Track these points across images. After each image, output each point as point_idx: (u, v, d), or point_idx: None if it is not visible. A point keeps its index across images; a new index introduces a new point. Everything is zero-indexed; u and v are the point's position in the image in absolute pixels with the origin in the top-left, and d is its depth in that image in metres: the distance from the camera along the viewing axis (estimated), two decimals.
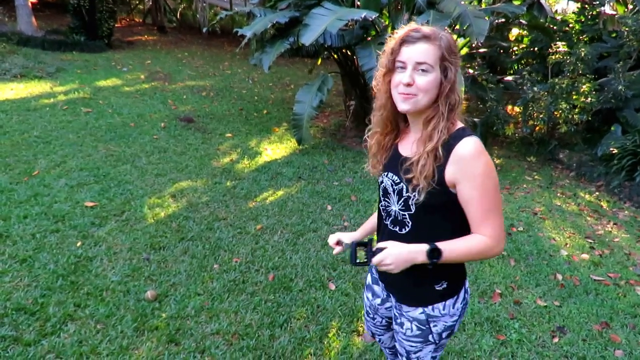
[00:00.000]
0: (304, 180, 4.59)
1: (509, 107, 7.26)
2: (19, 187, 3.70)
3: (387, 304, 1.58)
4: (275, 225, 3.61)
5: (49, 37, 9.52)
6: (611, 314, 2.89)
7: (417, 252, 1.23)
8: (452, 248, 1.24)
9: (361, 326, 2.57)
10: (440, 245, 1.24)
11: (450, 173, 1.22)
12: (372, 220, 1.63)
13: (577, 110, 5.86)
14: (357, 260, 1.33)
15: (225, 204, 3.87)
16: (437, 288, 1.37)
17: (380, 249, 1.25)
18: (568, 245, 3.80)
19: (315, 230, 3.59)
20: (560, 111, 5.86)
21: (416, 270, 1.31)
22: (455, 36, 6.56)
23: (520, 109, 6.48)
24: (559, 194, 5.03)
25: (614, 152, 5.42)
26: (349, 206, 4.08)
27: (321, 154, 5.44)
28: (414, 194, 1.26)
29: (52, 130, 5.05)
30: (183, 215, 3.58)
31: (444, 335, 1.43)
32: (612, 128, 5.87)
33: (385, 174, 1.38)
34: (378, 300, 1.61)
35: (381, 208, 1.46)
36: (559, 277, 3.27)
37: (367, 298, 1.67)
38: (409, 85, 1.21)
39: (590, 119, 6.03)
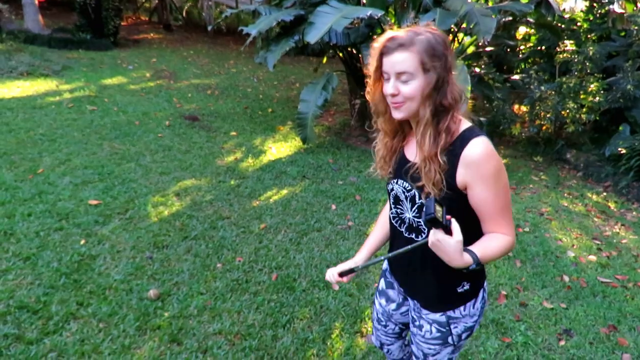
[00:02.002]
0: (309, 179, 4.57)
1: (516, 106, 7.20)
2: (23, 185, 3.71)
3: (403, 308, 1.56)
4: (279, 224, 3.59)
5: (55, 35, 9.56)
6: (619, 317, 2.85)
7: (460, 263, 1.14)
8: (485, 254, 1.20)
9: (365, 327, 2.54)
10: (479, 252, 1.18)
11: (462, 176, 1.19)
12: (377, 236, 1.57)
13: (584, 109, 5.80)
14: (433, 215, 1.08)
15: (229, 203, 3.85)
16: (459, 290, 1.34)
17: (446, 225, 1.12)
18: (575, 247, 3.75)
19: (319, 229, 3.57)
20: (567, 111, 5.79)
21: (437, 276, 1.30)
22: (461, 35, 6.53)
23: (527, 108, 6.42)
24: (565, 195, 4.97)
25: (622, 152, 5.35)
26: (354, 205, 4.05)
27: (326, 153, 5.42)
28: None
29: (57, 128, 5.06)
30: (187, 214, 3.57)
31: (463, 336, 1.41)
32: (621, 128, 5.80)
33: (395, 181, 1.35)
34: (393, 305, 1.58)
35: (392, 216, 1.42)
36: (566, 278, 3.23)
37: (380, 304, 1.63)
38: (394, 95, 1.19)
39: (598, 118, 5.96)
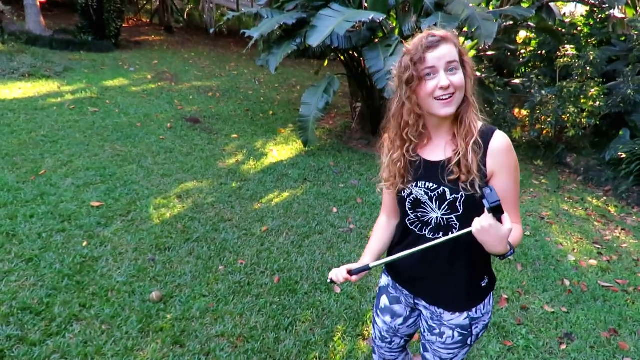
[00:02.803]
0: (310, 182, 4.58)
1: (516, 110, 7.23)
2: (25, 186, 3.71)
3: (411, 320, 1.57)
4: (281, 227, 3.60)
5: (57, 36, 9.56)
6: (619, 321, 2.86)
7: (501, 249, 1.16)
8: (513, 241, 1.23)
9: (366, 330, 2.55)
10: (511, 239, 1.20)
11: (490, 165, 1.26)
12: (380, 240, 1.55)
13: (585, 114, 5.82)
14: (499, 201, 1.08)
15: (231, 205, 3.86)
16: (483, 284, 1.40)
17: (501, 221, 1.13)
18: (575, 251, 3.76)
19: (321, 232, 3.58)
20: (568, 115, 5.81)
21: (462, 272, 1.35)
22: (462, 38, 6.55)
23: (527, 112, 6.44)
24: (566, 199, 4.99)
25: (622, 156, 5.37)
26: (355, 208, 4.06)
27: (327, 155, 5.43)
28: (461, 192, 1.26)
29: (59, 130, 5.07)
30: (189, 216, 3.58)
31: (480, 335, 1.46)
32: (621, 132, 5.82)
33: (414, 184, 1.35)
34: (399, 320, 1.57)
35: (409, 223, 1.40)
36: (567, 282, 3.24)
37: (385, 322, 1.61)
38: (446, 87, 1.21)
39: (598, 123, 5.98)
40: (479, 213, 1.18)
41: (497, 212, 1.10)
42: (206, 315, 2.53)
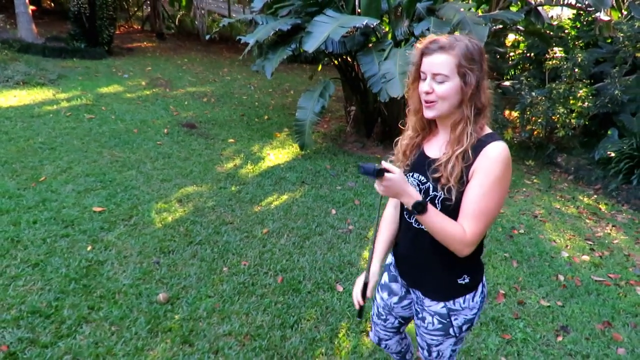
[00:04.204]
0: (308, 184, 4.65)
1: (507, 111, 7.36)
2: (26, 193, 3.74)
3: (405, 302, 1.64)
4: (281, 229, 3.66)
5: (49, 44, 9.56)
6: (613, 314, 2.95)
7: (409, 195, 1.26)
8: (436, 217, 1.28)
9: (370, 327, 2.61)
10: (430, 208, 1.28)
11: (473, 168, 1.29)
12: (385, 240, 1.61)
13: (574, 114, 5.96)
14: (373, 172, 1.22)
15: (231, 209, 3.92)
16: (460, 282, 1.43)
17: (389, 171, 1.24)
18: (569, 247, 3.87)
19: (320, 233, 3.64)
20: (557, 116, 5.95)
21: (440, 264, 1.39)
22: None
23: (518, 113, 6.58)
24: (558, 197, 5.11)
25: (611, 155, 5.51)
26: (353, 210, 4.14)
27: (323, 159, 5.50)
28: (440, 192, 1.32)
29: (56, 137, 5.09)
30: (190, 220, 3.63)
31: (464, 328, 1.49)
32: (609, 132, 5.97)
33: (411, 174, 1.44)
34: (395, 299, 1.66)
35: (404, 209, 1.50)
36: (561, 278, 3.34)
37: (382, 298, 1.70)
38: (428, 93, 1.29)
39: (587, 123, 6.13)
40: (455, 213, 1.30)
41: (379, 174, 1.22)
42: (213, 315, 2.58)
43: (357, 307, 1.55)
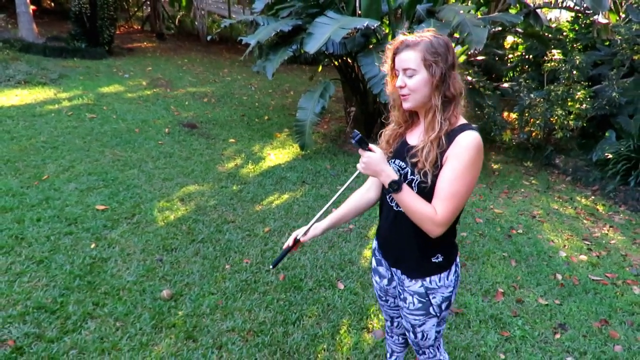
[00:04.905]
0: (308, 184, 4.69)
1: (506, 113, 7.41)
2: (30, 191, 3.77)
3: (393, 283, 1.74)
4: (283, 227, 3.70)
5: (50, 43, 9.59)
6: (610, 312, 3.00)
7: (386, 174, 1.40)
8: (410, 196, 1.40)
9: (370, 324, 2.65)
10: (405, 187, 1.40)
11: (447, 154, 1.39)
12: (346, 206, 1.75)
13: (572, 116, 6.01)
14: (361, 135, 1.39)
15: (233, 207, 3.95)
16: (434, 260, 1.54)
17: (370, 150, 1.41)
18: (566, 247, 3.91)
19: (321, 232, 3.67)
20: (556, 117, 6.00)
21: (416, 244, 1.50)
22: (453, 44, 6.73)
23: (516, 115, 6.62)
24: (556, 198, 5.15)
25: (608, 157, 5.56)
26: None
27: (323, 159, 5.54)
28: (417, 176, 1.43)
29: (58, 136, 5.12)
30: (192, 218, 3.66)
31: (443, 306, 1.59)
32: (607, 134, 6.02)
33: (393, 160, 1.55)
34: (385, 281, 1.77)
35: (385, 192, 1.61)
36: (559, 277, 3.38)
37: (376, 282, 1.83)
38: (401, 87, 1.43)
39: (585, 125, 6.17)
40: (428, 200, 1.41)
41: (362, 144, 1.38)
42: (216, 311, 2.61)
43: (285, 246, 1.71)
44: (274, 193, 4.37)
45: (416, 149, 1.43)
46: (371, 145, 1.41)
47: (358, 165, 1.42)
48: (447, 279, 1.57)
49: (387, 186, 1.39)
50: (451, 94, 1.40)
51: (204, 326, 2.48)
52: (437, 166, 1.39)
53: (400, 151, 1.53)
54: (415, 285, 1.57)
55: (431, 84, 1.38)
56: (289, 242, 1.71)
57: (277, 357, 2.33)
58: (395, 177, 1.39)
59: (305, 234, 1.69)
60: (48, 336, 2.27)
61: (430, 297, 1.57)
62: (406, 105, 1.45)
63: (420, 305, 1.59)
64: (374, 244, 1.80)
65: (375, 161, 1.39)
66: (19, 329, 2.29)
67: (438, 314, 1.60)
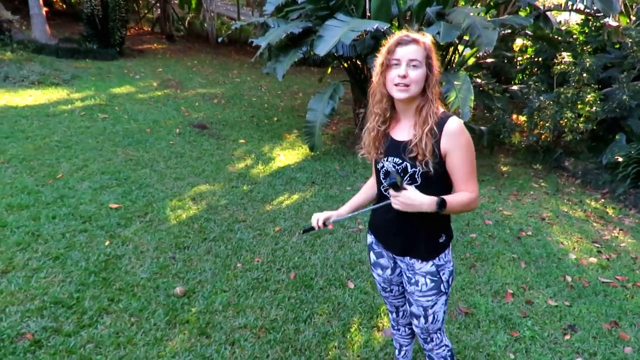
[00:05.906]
0: (318, 185, 4.72)
1: (515, 116, 7.40)
2: (45, 189, 3.84)
3: (397, 270, 1.81)
4: (293, 227, 3.73)
5: (62, 45, 9.73)
6: (620, 314, 3.00)
7: (428, 204, 1.48)
8: (452, 200, 1.51)
9: (381, 322, 2.68)
10: (447, 199, 1.50)
11: (444, 144, 1.51)
12: (362, 195, 1.90)
13: (582, 119, 5.99)
14: (395, 180, 1.45)
15: (244, 207, 4.00)
16: (440, 241, 1.67)
17: (404, 188, 1.48)
18: (576, 249, 3.91)
19: (331, 232, 3.71)
20: (565, 120, 5.99)
21: (425, 232, 1.63)
22: (461, 46, 6.75)
23: (526, 117, 6.62)
24: (565, 201, 5.14)
25: (619, 160, 5.54)
26: None
27: (332, 160, 5.58)
28: (419, 167, 1.53)
29: (71, 135, 5.20)
30: (204, 217, 3.71)
31: (450, 281, 1.72)
32: (617, 137, 5.99)
33: (386, 158, 1.63)
34: (388, 272, 1.83)
35: (382, 189, 1.69)
36: (568, 278, 3.38)
37: (378, 275, 1.88)
38: (404, 77, 1.48)
39: (595, 127, 6.15)
40: (434, 185, 1.54)
41: (394, 188, 1.45)
42: (228, 308, 2.65)
43: (313, 224, 1.80)
44: (284, 193, 4.41)
45: (412, 143, 1.53)
46: (404, 185, 1.49)
47: (394, 205, 1.49)
48: (449, 254, 1.71)
49: (435, 210, 1.48)
50: (438, 91, 1.55)
51: (216, 323, 2.52)
52: (436, 155, 1.50)
53: (392, 149, 1.61)
54: (427, 266, 1.67)
55: (427, 80, 1.51)
56: (319, 223, 1.79)
57: (288, 353, 2.36)
58: (435, 199, 1.47)
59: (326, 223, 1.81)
60: (65, 330, 2.32)
61: (441, 274, 1.68)
62: (402, 95, 1.51)
63: (432, 284, 1.68)
64: (369, 239, 1.88)
65: (412, 198, 1.47)
66: (37, 323, 2.34)
67: (447, 290, 1.71)
